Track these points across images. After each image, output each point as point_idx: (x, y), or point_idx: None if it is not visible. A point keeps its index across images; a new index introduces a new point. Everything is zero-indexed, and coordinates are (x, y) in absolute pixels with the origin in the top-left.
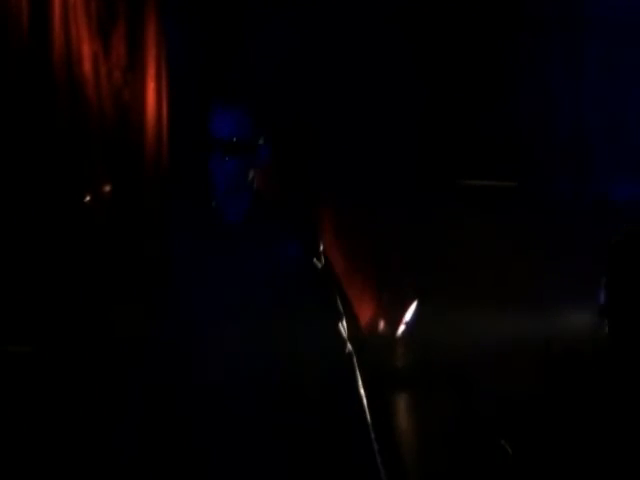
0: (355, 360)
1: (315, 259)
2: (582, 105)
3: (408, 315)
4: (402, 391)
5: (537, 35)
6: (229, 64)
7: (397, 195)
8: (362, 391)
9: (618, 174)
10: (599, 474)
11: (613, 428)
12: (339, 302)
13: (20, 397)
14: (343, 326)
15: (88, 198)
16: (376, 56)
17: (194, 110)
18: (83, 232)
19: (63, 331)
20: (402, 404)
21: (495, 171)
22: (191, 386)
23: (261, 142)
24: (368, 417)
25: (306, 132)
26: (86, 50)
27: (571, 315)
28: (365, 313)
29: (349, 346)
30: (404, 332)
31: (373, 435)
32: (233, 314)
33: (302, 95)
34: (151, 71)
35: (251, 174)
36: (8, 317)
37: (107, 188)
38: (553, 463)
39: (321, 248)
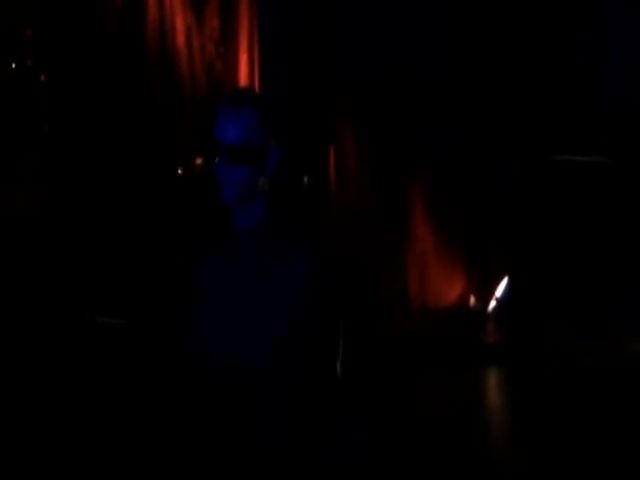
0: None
1: (327, 274)
2: None
3: (499, 291)
4: (492, 367)
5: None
6: (320, 36)
7: (489, 171)
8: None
9: None
10: None
11: None
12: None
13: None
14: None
15: (180, 170)
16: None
17: (286, 82)
18: (175, 204)
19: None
20: (492, 381)
21: (589, 147)
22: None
23: (272, 145)
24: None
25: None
26: (179, 23)
27: None
28: (455, 289)
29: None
30: (495, 308)
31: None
32: (241, 330)
33: (401, 71)
34: (243, 43)
35: (262, 181)
36: (101, 290)
37: (199, 161)
38: None
39: (334, 261)
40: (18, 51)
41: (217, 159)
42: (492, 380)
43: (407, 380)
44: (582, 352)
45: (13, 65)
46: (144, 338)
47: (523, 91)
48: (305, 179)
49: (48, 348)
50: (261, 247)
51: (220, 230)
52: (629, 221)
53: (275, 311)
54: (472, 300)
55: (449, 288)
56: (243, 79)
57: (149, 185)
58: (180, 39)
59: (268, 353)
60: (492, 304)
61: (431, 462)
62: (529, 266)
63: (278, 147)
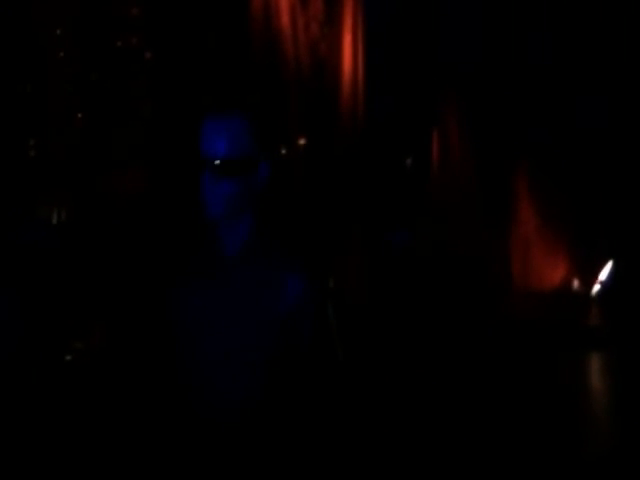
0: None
1: (320, 297)
2: None
3: (603, 274)
4: (596, 351)
5: None
6: (425, 20)
7: (594, 154)
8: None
9: None
10: None
11: None
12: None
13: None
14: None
15: (284, 150)
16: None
17: (390, 64)
18: (280, 183)
19: None
20: (596, 364)
21: None
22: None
23: (261, 159)
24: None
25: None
26: (284, 3)
27: None
28: (559, 272)
29: None
30: (599, 291)
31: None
32: (232, 357)
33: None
34: (347, 24)
35: (251, 195)
36: None
37: (302, 141)
38: None
39: (327, 284)
40: (124, 30)
41: (203, 173)
42: (595, 363)
43: (511, 363)
44: None
45: (119, 44)
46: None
47: (630, 79)
48: (408, 161)
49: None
50: (249, 267)
51: (205, 249)
52: None
53: (264, 332)
54: (576, 284)
55: (553, 272)
56: (346, 60)
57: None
58: (285, 19)
59: (261, 375)
60: (596, 287)
61: (537, 443)
62: (633, 249)
63: (267, 161)
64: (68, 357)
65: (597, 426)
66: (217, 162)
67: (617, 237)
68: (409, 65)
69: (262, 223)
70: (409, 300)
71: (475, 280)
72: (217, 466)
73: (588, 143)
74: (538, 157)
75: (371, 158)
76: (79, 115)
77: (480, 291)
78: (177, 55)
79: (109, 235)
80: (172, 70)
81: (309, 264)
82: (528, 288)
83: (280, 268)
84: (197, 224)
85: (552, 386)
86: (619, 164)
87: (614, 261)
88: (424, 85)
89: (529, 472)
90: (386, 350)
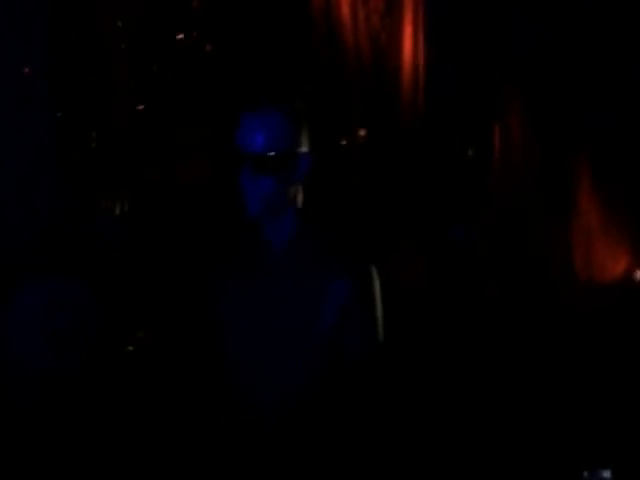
0: None
1: (366, 297)
2: None
3: None
4: None
5: None
6: (488, 12)
7: None
8: None
9: None
10: None
11: None
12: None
13: None
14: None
15: (344, 142)
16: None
17: (451, 57)
18: (340, 175)
19: None
20: None
21: None
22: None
23: (303, 151)
24: None
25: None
26: None
27: None
28: (621, 263)
29: None
30: None
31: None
32: (281, 354)
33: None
34: (408, 16)
35: (292, 192)
36: None
37: (362, 132)
38: None
39: (375, 284)
40: (185, 23)
41: (242, 170)
42: None
43: (574, 356)
44: None
45: (180, 36)
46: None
47: None
48: (470, 151)
49: None
50: (295, 264)
51: (250, 247)
52: None
53: (313, 330)
54: (638, 275)
55: (615, 263)
56: (407, 52)
57: (314, 157)
58: (345, 10)
59: (312, 372)
60: None
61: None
62: None
63: (308, 155)
64: (130, 347)
65: None
66: (254, 158)
67: None
68: (470, 54)
69: (307, 221)
70: (471, 295)
71: (537, 272)
72: (255, 466)
73: None
74: (600, 146)
75: (432, 149)
76: (141, 107)
77: (542, 283)
78: (237, 47)
79: (171, 226)
80: (232, 62)
81: (358, 269)
82: (590, 279)
83: (326, 272)
84: (241, 221)
85: (613, 380)
86: None
87: None
88: (485, 74)
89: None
90: (448, 349)
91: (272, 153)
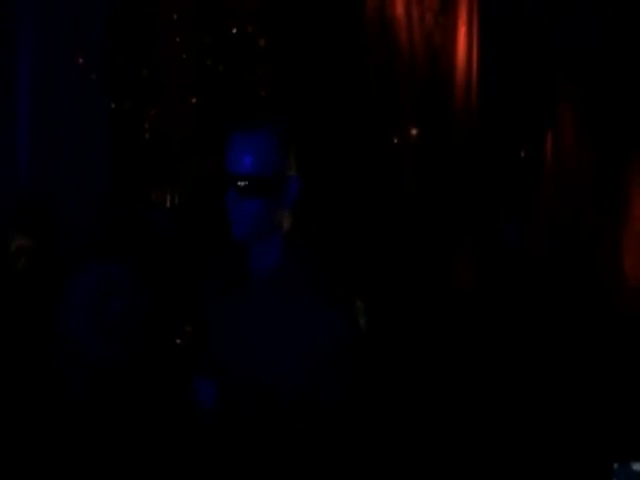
0: None
1: (354, 329)
2: None
3: None
4: None
5: None
6: (541, 10)
7: None
8: None
9: None
10: None
11: None
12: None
13: None
14: None
15: (396, 140)
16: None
17: (505, 57)
18: (390, 173)
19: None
20: None
21: None
22: None
23: (291, 174)
24: None
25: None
26: None
27: None
28: None
29: None
30: None
31: None
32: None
33: None
34: (462, 15)
35: (278, 216)
36: None
37: (414, 131)
38: None
39: (361, 321)
40: (239, 17)
41: (228, 190)
42: None
43: (622, 359)
44: None
45: (234, 31)
46: None
47: None
48: (522, 153)
49: None
50: (277, 292)
51: (234, 268)
52: None
53: (290, 360)
54: None
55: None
56: (461, 51)
57: (366, 154)
58: (400, 9)
59: (291, 394)
60: None
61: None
62: None
63: (297, 178)
64: (178, 340)
65: None
66: (241, 183)
67: None
68: (525, 55)
69: (294, 247)
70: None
71: (587, 274)
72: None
73: None
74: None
75: (484, 150)
76: (193, 100)
77: (591, 285)
78: (291, 43)
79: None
80: (286, 57)
81: (343, 306)
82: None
83: (309, 304)
84: (228, 243)
85: None
86: None
87: None
88: (539, 75)
89: None
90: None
91: (258, 174)
